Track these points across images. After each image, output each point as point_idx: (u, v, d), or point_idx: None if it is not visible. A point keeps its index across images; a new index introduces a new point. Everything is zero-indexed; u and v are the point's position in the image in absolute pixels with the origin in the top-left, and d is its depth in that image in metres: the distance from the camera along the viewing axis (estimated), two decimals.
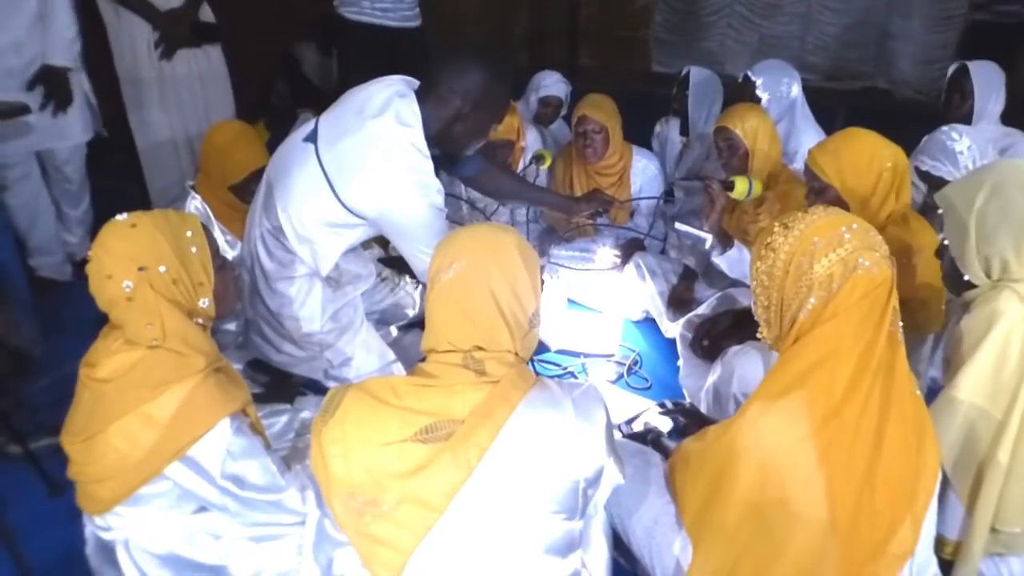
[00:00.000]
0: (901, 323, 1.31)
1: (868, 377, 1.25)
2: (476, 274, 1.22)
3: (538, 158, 3.04)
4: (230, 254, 2.46)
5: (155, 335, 1.36)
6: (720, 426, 1.39)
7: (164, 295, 1.37)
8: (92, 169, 3.23)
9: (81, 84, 2.93)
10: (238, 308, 2.02)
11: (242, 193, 2.42)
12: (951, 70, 2.96)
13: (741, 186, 2.41)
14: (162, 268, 1.36)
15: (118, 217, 1.41)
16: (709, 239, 2.46)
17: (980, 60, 2.95)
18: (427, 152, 1.87)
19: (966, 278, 1.54)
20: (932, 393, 2.21)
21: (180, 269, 1.39)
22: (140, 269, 1.35)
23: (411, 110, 1.87)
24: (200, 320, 1.46)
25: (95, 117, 3.05)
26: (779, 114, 3.06)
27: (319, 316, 2.10)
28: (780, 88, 3.07)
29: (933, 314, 1.93)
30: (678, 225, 2.53)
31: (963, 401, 1.47)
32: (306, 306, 2.09)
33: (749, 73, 3.12)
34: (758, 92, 3.05)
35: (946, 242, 1.58)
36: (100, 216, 3.19)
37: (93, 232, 3.19)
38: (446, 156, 2.06)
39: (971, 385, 1.46)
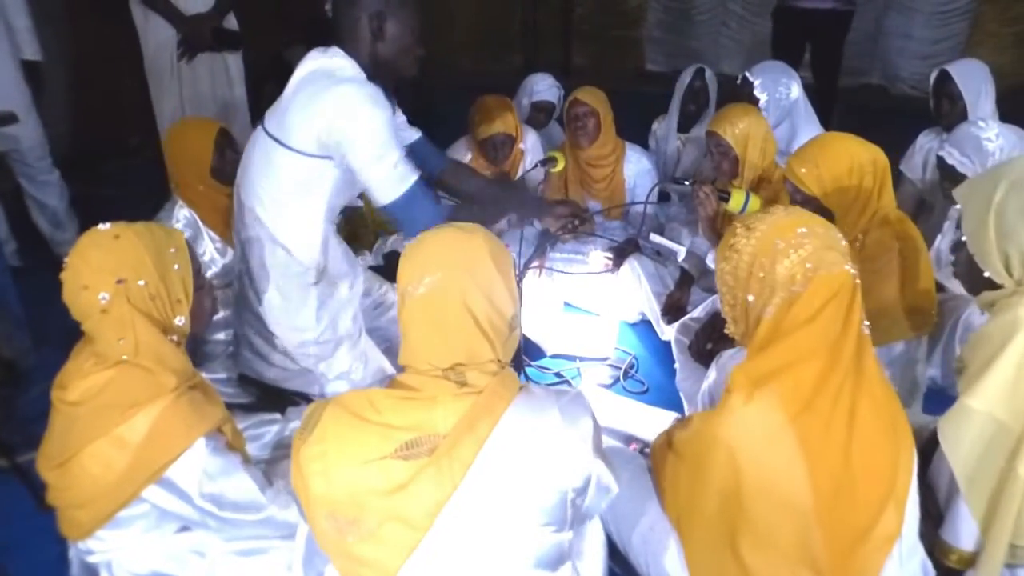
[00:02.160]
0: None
1: (838, 375, 1.28)
2: (449, 288, 1.16)
3: (549, 160, 2.96)
4: (220, 261, 2.43)
5: (126, 350, 1.33)
6: (702, 415, 1.41)
7: (140, 309, 1.34)
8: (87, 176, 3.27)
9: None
10: (208, 327, 1.96)
11: (223, 173, 2.38)
12: (933, 77, 2.91)
13: (737, 199, 2.33)
14: (141, 282, 1.34)
15: (100, 226, 1.38)
16: (682, 252, 2.44)
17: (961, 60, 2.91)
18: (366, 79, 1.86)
19: (986, 275, 1.50)
20: (932, 394, 2.22)
21: (159, 285, 1.37)
22: (119, 281, 1.32)
23: (337, 57, 1.87)
24: (174, 337, 1.43)
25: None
26: (779, 116, 3.04)
27: (314, 323, 2.05)
28: (779, 89, 3.04)
29: (925, 312, 1.92)
30: (653, 237, 2.50)
31: (980, 412, 1.42)
32: (300, 314, 2.04)
33: (747, 74, 3.10)
34: (756, 93, 3.03)
35: (963, 238, 1.55)
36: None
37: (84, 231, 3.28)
38: (394, 84, 2.02)
39: (989, 395, 1.41)
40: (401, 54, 1.93)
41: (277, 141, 1.85)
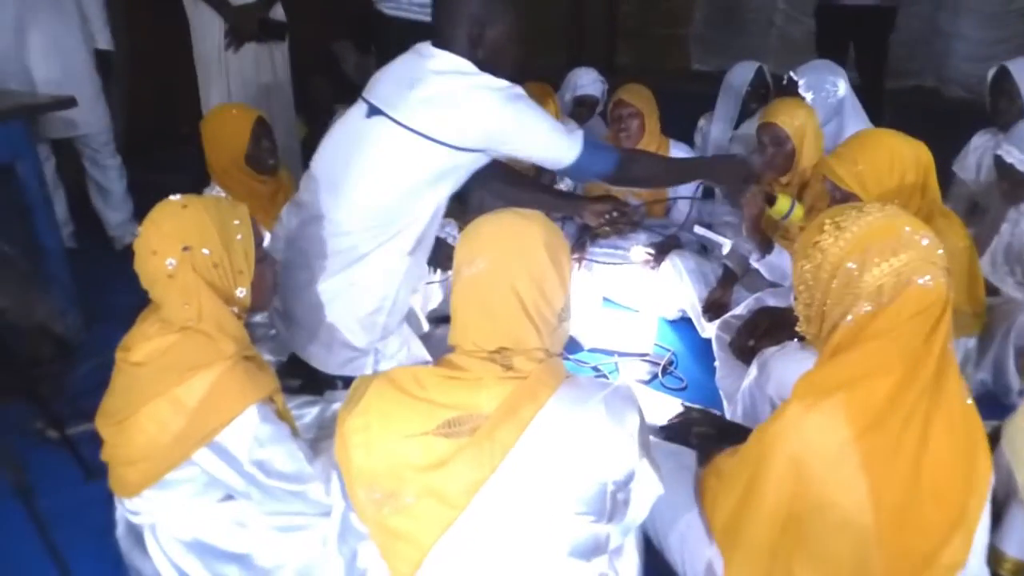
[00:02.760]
0: None
1: (914, 393, 1.19)
2: (499, 271, 1.17)
3: None
4: None
5: (191, 315, 1.38)
6: (755, 431, 1.33)
7: (204, 277, 1.39)
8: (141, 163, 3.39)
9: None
10: (272, 303, 1.99)
11: (258, 160, 2.41)
12: (990, 74, 2.84)
13: (782, 204, 2.28)
14: (205, 251, 1.38)
15: (171, 197, 1.44)
16: (727, 245, 2.39)
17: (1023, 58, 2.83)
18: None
19: None
20: (981, 398, 2.16)
21: (223, 254, 1.41)
22: (184, 248, 1.37)
23: (455, 57, 1.88)
24: (235, 309, 1.47)
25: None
26: (827, 115, 2.97)
27: (393, 291, 2.03)
28: (825, 87, 2.98)
29: (973, 314, 1.87)
30: (697, 228, 2.46)
31: None
32: (388, 281, 2.01)
33: (792, 74, 3.05)
34: (801, 92, 2.97)
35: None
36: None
37: (137, 216, 3.38)
38: None
39: None
40: (500, 60, 1.94)
41: (420, 134, 1.84)
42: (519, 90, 1.90)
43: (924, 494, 1.20)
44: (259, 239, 1.51)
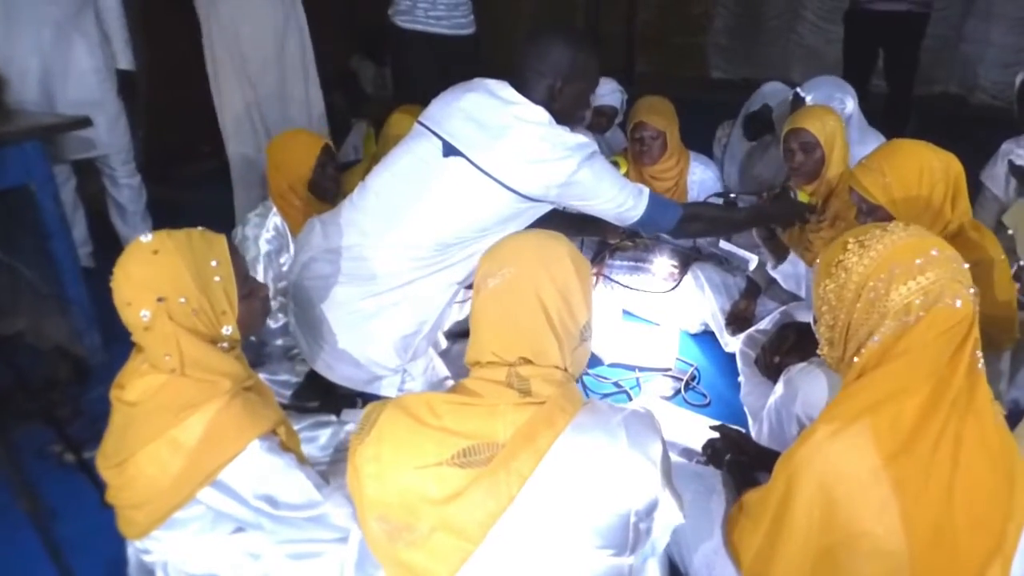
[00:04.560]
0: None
1: (942, 413, 1.15)
2: (525, 280, 1.17)
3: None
4: None
5: (173, 365, 1.32)
6: (780, 459, 1.29)
7: (184, 325, 1.33)
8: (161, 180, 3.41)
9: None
10: (261, 328, 1.94)
11: (321, 188, 2.42)
12: (1019, 80, 2.79)
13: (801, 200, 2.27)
14: (182, 299, 1.32)
15: (142, 238, 1.36)
16: (754, 261, 2.35)
17: None
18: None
19: None
20: (1013, 416, 2.09)
21: (201, 299, 1.34)
22: (159, 300, 1.30)
23: (534, 109, 1.92)
24: (224, 344, 1.42)
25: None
26: None
27: (434, 316, 2.06)
28: (832, 104, 2.93)
29: (1004, 329, 1.81)
30: (723, 244, 2.43)
31: None
32: (429, 307, 2.04)
33: (799, 90, 3.00)
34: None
35: (1022, 262, 1.48)
36: (174, 224, 3.37)
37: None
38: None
39: None
40: (573, 112, 2.03)
41: (498, 182, 1.88)
42: (595, 147, 1.97)
43: (959, 519, 1.16)
44: (243, 273, 1.44)
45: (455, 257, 1.98)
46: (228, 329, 1.40)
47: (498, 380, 1.14)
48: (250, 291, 1.45)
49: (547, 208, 2.02)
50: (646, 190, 2.06)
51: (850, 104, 2.95)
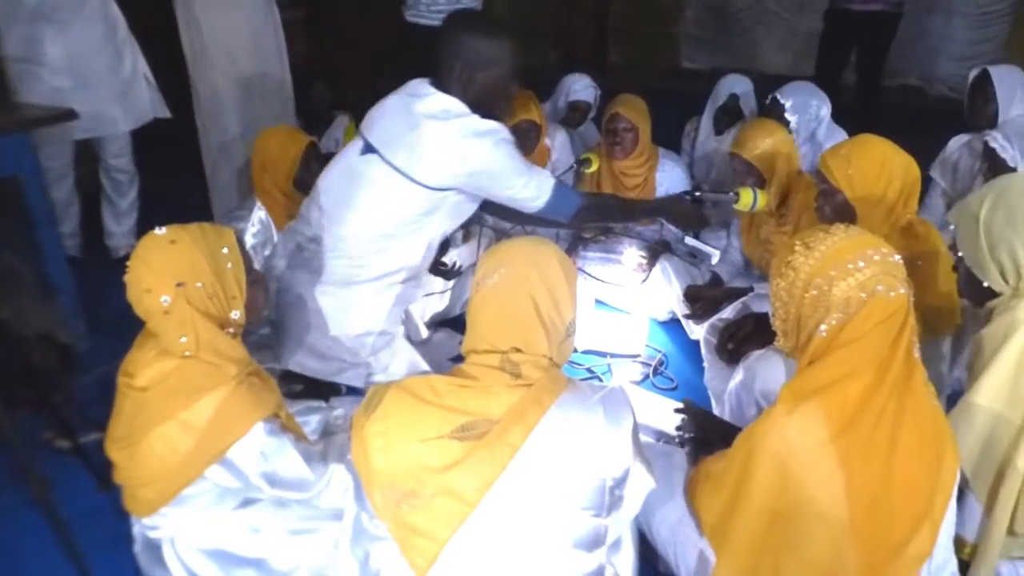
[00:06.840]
0: (917, 328, 1.34)
1: (883, 394, 1.29)
2: (518, 280, 1.31)
3: (583, 161, 3.03)
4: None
5: (188, 347, 1.43)
6: (742, 434, 1.42)
7: (199, 309, 1.44)
8: (144, 166, 3.42)
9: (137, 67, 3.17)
10: (265, 316, 2.05)
11: (305, 185, 2.46)
12: (972, 76, 2.95)
13: (745, 199, 2.41)
14: (199, 284, 1.43)
15: (156, 231, 1.47)
16: (716, 255, 2.48)
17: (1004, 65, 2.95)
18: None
19: (985, 285, 1.59)
20: (956, 395, 2.23)
21: (216, 284, 1.46)
22: (178, 285, 1.41)
23: (446, 96, 1.95)
24: (231, 330, 1.53)
25: (155, 101, 3.26)
26: (808, 136, 3.12)
27: (383, 318, 2.14)
28: (809, 111, 3.11)
29: (945, 316, 1.96)
30: (688, 240, 2.55)
31: (982, 407, 1.52)
32: (374, 309, 2.12)
33: (777, 95, 3.14)
34: (787, 115, 3.09)
35: (960, 255, 1.62)
36: (149, 213, 3.40)
37: (138, 226, 3.39)
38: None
39: (990, 391, 1.51)
40: (491, 102, 2.01)
41: (404, 174, 1.94)
42: (503, 134, 1.97)
43: (895, 489, 1.30)
44: (248, 262, 1.55)
45: (389, 255, 2.05)
46: (236, 314, 1.51)
47: (492, 365, 1.29)
48: (254, 279, 1.57)
49: (463, 201, 2.05)
50: (551, 179, 2.08)
51: (824, 111, 3.15)
